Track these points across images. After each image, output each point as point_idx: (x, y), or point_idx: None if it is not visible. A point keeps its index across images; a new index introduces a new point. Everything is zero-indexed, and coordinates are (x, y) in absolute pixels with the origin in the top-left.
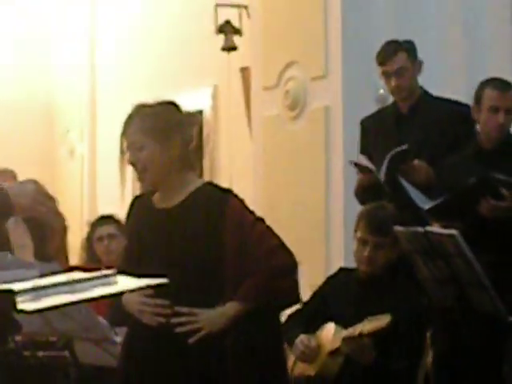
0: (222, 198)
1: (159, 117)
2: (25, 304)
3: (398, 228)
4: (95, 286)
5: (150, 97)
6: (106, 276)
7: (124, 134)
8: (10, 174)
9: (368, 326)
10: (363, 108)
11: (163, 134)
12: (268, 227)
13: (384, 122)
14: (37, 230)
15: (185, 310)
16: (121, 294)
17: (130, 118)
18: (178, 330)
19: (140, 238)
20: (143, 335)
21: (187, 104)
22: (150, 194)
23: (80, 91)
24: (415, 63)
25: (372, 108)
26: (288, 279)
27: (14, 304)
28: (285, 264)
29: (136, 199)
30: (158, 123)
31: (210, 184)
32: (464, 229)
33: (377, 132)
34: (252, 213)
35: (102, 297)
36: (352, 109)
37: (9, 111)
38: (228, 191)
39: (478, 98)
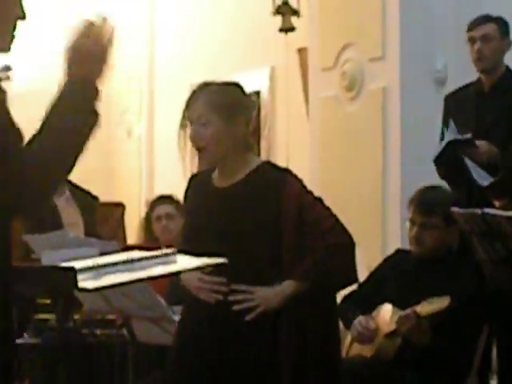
0: (281, 177)
1: (226, 94)
2: (86, 282)
3: (456, 209)
4: (155, 265)
5: (208, 78)
6: (165, 255)
7: (188, 107)
8: None
9: (427, 307)
10: (421, 89)
11: (229, 112)
12: (327, 207)
13: (465, 100)
14: (87, 207)
15: (242, 287)
16: (180, 272)
17: (195, 93)
18: (235, 307)
19: (198, 216)
20: (198, 314)
21: (245, 85)
22: (208, 172)
23: (138, 73)
24: (504, 39)
25: (430, 89)
26: (346, 259)
27: (76, 282)
28: (342, 244)
29: (193, 178)
30: (224, 100)
31: (269, 163)
32: None
33: (457, 109)
34: (310, 192)
35: (162, 276)
36: (409, 90)
37: None
38: (287, 170)
39: None
